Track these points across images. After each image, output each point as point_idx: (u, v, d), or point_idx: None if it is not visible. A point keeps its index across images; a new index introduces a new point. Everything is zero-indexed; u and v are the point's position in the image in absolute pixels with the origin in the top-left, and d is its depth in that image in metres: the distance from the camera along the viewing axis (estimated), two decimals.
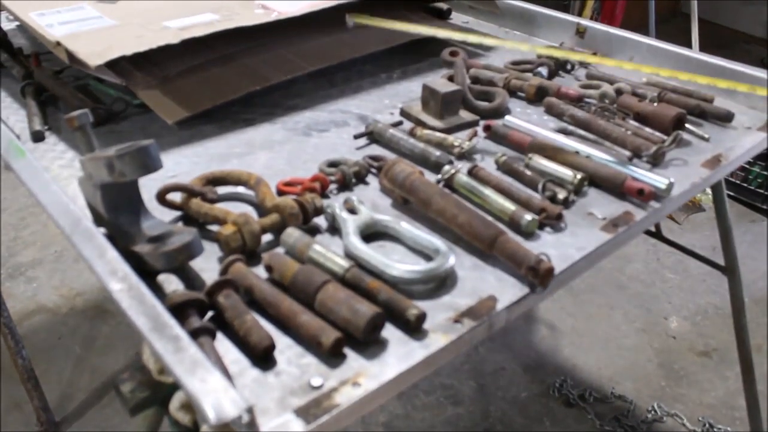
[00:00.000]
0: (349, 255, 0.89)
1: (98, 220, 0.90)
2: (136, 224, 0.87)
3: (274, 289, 0.80)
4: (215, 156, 1.16)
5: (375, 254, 0.86)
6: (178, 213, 0.98)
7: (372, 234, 0.94)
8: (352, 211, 0.96)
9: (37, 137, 1.18)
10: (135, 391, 0.74)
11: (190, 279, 0.86)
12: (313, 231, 0.95)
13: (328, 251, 0.86)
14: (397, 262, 0.85)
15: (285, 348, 0.76)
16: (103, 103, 1.28)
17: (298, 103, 1.35)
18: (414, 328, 0.78)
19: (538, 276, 0.85)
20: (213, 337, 0.75)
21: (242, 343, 0.75)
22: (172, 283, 0.83)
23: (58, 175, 1.08)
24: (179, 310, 0.75)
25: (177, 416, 0.71)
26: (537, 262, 0.85)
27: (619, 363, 2.19)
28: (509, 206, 0.97)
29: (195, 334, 0.72)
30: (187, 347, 0.66)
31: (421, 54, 1.57)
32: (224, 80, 1.32)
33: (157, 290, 0.83)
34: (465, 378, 2.02)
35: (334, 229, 0.95)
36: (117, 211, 0.87)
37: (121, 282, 0.74)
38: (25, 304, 2.35)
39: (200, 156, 1.16)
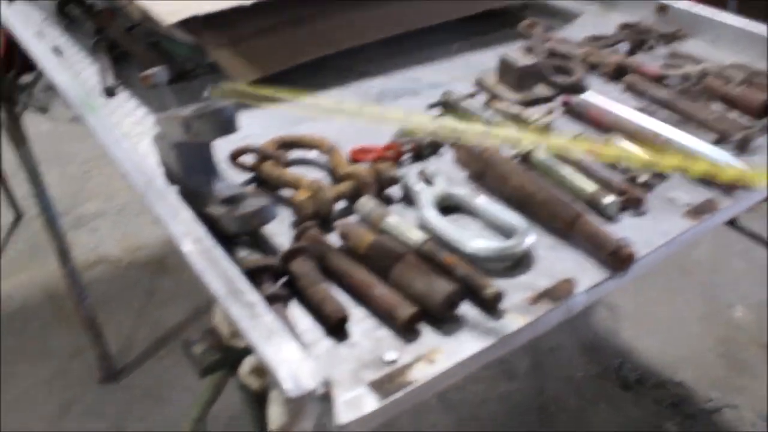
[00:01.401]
0: (424, 227, 0.87)
1: (171, 179, 0.90)
2: (209, 185, 0.86)
3: (348, 257, 0.78)
4: (287, 119, 1.14)
5: (452, 228, 0.84)
6: (249, 175, 0.97)
7: (446, 208, 0.92)
8: (428, 182, 0.93)
9: (110, 92, 1.18)
10: (206, 353, 0.73)
11: (262, 243, 0.85)
12: (387, 201, 0.93)
13: (404, 223, 0.83)
14: (474, 238, 0.82)
15: (358, 320, 0.75)
16: (174, 61, 1.27)
17: (370, 69, 1.33)
18: (490, 307, 0.76)
19: (618, 260, 0.81)
20: (286, 304, 0.74)
21: (316, 312, 0.74)
22: (245, 248, 0.82)
23: (129, 132, 1.08)
24: (253, 275, 0.73)
25: (247, 381, 0.70)
26: (618, 246, 0.81)
27: (680, 349, 2.13)
28: (589, 186, 0.93)
29: (269, 301, 0.71)
30: (263, 314, 0.65)
31: (494, 25, 1.52)
32: (296, 43, 1.29)
33: (231, 253, 0.82)
34: (521, 354, 1.99)
35: (408, 200, 0.93)
36: (190, 171, 0.86)
37: (194, 243, 0.73)
38: (87, 255, 2.40)
39: (272, 119, 1.14)
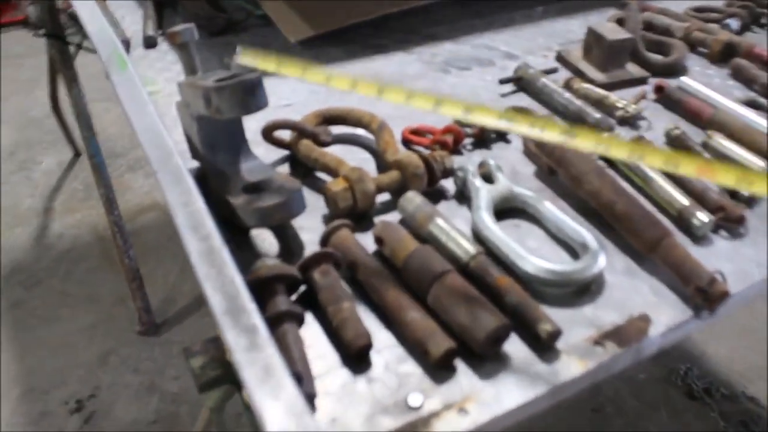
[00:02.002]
0: (476, 234, 0.74)
1: (195, 153, 0.79)
2: (235, 164, 0.75)
3: (381, 269, 0.66)
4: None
5: (508, 240, 0.71)
6: (285, 153, 0.85)
7: (507, 209, 0.78)
8: (488, 178, 0.80)
9: (149, 43, 1.08)
10: (206, 367, 0.64)
11: (288, 238, 0.74)
12: (439, 195, 0.80)
13: (453, 229, 0.71)
14: (533, 255, 0.69)
15: (384, 346, 0.63)
16: (223, 10, 1.16)
17: (438, 32, 1.18)
18: (545, 347, 0.63)
19: (708, 299, 0.67)
20: (300, 323, 0.63)
21: (335, 334, 0.63)
22: (264, 242, 0.71)
23: (162, 89, 0.98)
24: (266, 285, 0.63)
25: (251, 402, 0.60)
26: (709, 281, 0.67)
27: (755, 359, 1.94)
28: (680, 199, 0.78)
29: (278, 319, 0.60)
30: (264, 345, 0.53)
31: None
32: None
33: (248, 250, 0.72)
34: None
35: (463, 195, 0.80)
36: (214, 147, 0.75)
37: (202, 241, 0.62)
38: (141, 198, 2.36)
39: (321, 85, 1.02)
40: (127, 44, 1.06)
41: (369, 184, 0.74)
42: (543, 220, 0.76)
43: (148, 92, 0.95)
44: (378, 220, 0.76)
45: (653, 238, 0.71)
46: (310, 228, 0.75)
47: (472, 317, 0.61)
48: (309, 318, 0.65)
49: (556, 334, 0.62)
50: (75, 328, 1.86)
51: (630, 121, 0.95)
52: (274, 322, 0.60)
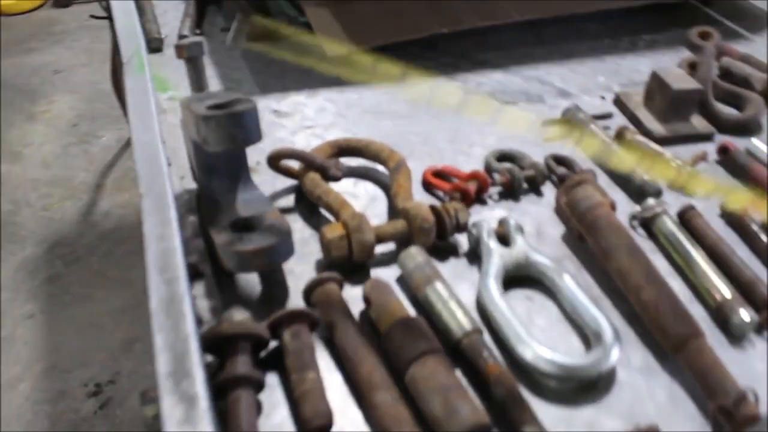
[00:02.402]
0: (479, 305, 0.66)
1: (194, 175, 0.74)
2: (231, 193, 0.70)
3: (358, 338, 0.59)
4: (368, 110, 0.95)
5: (511, 317, 0.63)
6: (293, 182, 0.79)
7: (522, 276, 0.70)
8: (505, 239, 0.72)
9: None
10: (158, 418, 0.58)
11: (272, 283, 0.68)
12: (449, 251, 0.73)
13: (452, 297, 0.63)
14: (537, 339, 0.61)
15: (350, 426, 0.56)
16: (268, 13, 1.10)
17: (491, 58, 1.10)
18: None
19: (733, 420, 0.57)
20: (259, 388, 0.57)
21: (295, 406, 0.56)
22: (247, 285, 0.65)
23: (182, 95, 0.93)
24: (228, 342, 0.57)
25: None
26: (737, 400, 0.57)
27: None
28: (722, 289, 0.68)
29: (233, 383, 0.54)
30: (200, 420, 0.48)
31: (663, 22, 1.23)
32: (407, 14, 1.08)
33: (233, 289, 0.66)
34: None
35: (476, 255, 0.72)
36: (211, 173, 0.70)
37: (166, 285, 0.57)
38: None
39: (351, 106, 0.95)
40: (160, 42, 1.02)
41: (368, 235, 0.67)
42: (559, 296, 0.68)
43: (168, 97, 0.91)
44: (375, 273, 0.70)
45: (679, 337, 0.62)
46: (300, 274, 0.69)
47: (447, 409, 0.53)
48: (274, 380, 0.59)
49: None
50: (105, 310, 1.86)
51: (684, 185, 0.85)
52: (228, 386, 0.55)
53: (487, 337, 0.63)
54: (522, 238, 0.71)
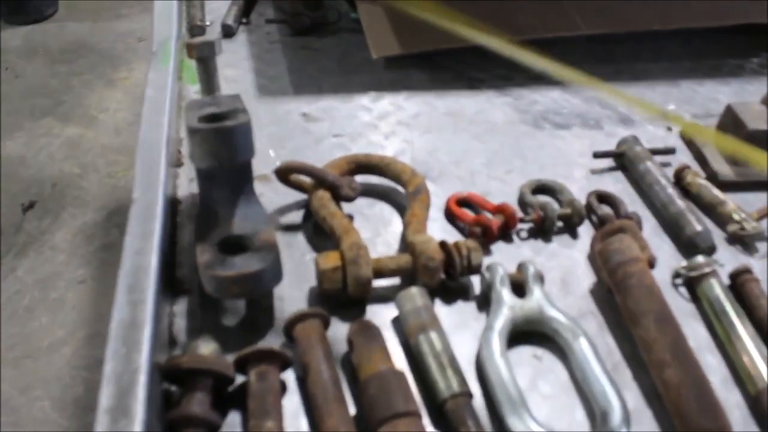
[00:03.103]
0: (478, 360, 0.60)
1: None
2: (230, 206, 0.65)
3: (331, 387, 0.54)
4: (403, 121, 0.89)
5: (509, 382, 0.56)
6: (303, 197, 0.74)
7: (533, 331, 0.63)
8: (520, 288, 0.65)
9: (226, 32, 0.99)
10: None
11: (258, 308, 0.63)
12: (456, 293, 0.66)
13: (445, 351, 0.57)
14: (529, 414, 0.54)
15: None
16: (319, 7, 1.05)
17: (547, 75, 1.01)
18: None
19: None
20: (215, 430, 0.52)
21: None
22: (229, 308, 0.61)
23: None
24: (188, 376, 0.52)
25: None
26: None
27: None
28: (765, 374, 0.59)
29: (185, 423, 0.50)
30: None
31: (755, 46, 1.11)
32: (466, 19, 1.01)
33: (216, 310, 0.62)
34: None
35: (487, 300, 0.65)
36: (211, 181, 0.65)
37: (130, 306, 0.53)
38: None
39: (386, 115, 0.89)
40: (202, 30, 0.99)
41: (364, 270, 0.61)
42: (570, 360, 0.60)
43: (198, 90, 0.87)
44: (372, 309, 0.64)
45: (702, 431, 0.54)
46: (291, 300, 0.64)
47: None
48: (237, 419, 0.55)
49: None
50: None
51: (744, 241, 0.75)
52: (180, 425, 0.50)
53: (480, 400, 0.57)
54: (540, 289, 0.64)
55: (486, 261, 0.67)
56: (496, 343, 0.59)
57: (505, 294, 0.63)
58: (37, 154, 2.29)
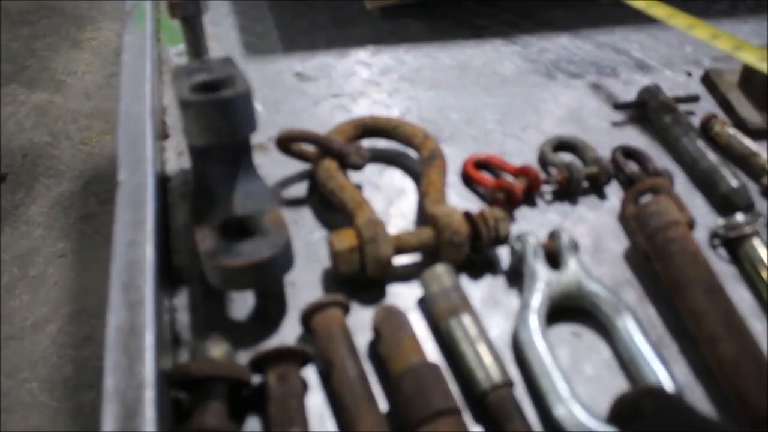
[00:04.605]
0: (515, 343, 0.54)
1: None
2: (228, 182, 0.58)
3: (359, 385, 0.48)
4: (406, 76, 0.81)
5: (551, 367, 0.51)
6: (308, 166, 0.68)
7: (571, 307, 0.57)
8: (555, 258, 0.59)
9: None
10: None
11: (269, 296, 0.57)
12: (483, 267, 0.61)
13: (481, 336, 0.52)
14: (575, 401, 0.49)
15: None
16: None
17: (557, 18, 0.94)
18: None
19: None
20: None
21: None
22: (237, 300, 0.54)
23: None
24: (200, 383, 0.46)
25: None
26: None
27: None
28: None
29: None
30: None
31: None
32: None
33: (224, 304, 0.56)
34: None
35: (517, 273, 0.60)
36: (206, 156, 0.58)
37: (127, 310, 0.47)
38: None
39: (386, 71, 0.82)
40: None
41: (384, 249, 0.55)
42: (614, 338, 0.55)
43: (179, 52, 0.79)
44: (393, 290, 0.58)
45: (761, 411, 0.49)
46: (304, 286, 0.58)
47: None
48: (256, 426, 0.49)
49: None
50: None
51: None
52: None
53: (520, 384, 0.52)
54: (576, 260, 0.58)
55: (512, 229, 0.62)
56: (535, 323, 0.53)
57: (540, 267, 0.57)
58: (3, 123, 2.18)
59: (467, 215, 0.58)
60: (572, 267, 0.58)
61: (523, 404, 0.50)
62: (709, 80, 0.85)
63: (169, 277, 0.57)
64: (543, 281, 0.56)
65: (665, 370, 0.51)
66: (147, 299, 0.47)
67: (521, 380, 0.52)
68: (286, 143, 0.63)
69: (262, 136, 0.70)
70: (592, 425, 0.47)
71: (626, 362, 0.54)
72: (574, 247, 0.59)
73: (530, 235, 0.59)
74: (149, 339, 0.45)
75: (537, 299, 0.55)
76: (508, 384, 0.49)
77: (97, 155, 2.06)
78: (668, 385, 0.50)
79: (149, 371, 0.43)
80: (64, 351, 1.60)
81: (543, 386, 0.50)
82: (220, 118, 0.49)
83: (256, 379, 0.50)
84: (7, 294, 1.70)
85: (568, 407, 0.48)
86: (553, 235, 0.60)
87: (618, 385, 0.53)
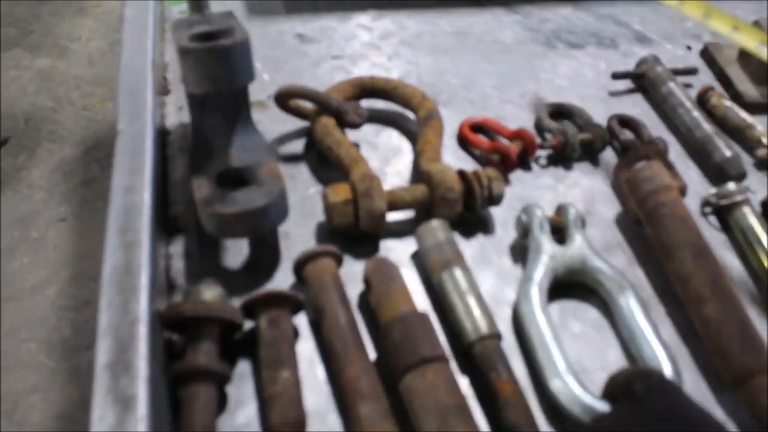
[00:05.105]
0: (515, 314, 0.55)
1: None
2: (226, 135, 0.59)
3: (349, 333, 0.49)
4: (406, 41, 0.82)
5: (550, 340, 0.51)
6: (306, 124, 0.68)
7: (572, 282, 0.58)
8: (560, 232, 0.59)
9: None
10: None
11: (263, 246, 0.58)
12: (475, 226, 0.61)
13: (471, 290, 0.52)
14: (571, 375, 0.49)
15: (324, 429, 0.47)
16: None
17: None
18: None
19: None
20: (224, 381, 0.48)
21: (264, 407, 0.47)
22: (233, 248, 0.55)
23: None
24: (193, 324, 0.48)
25: None
26: None
27: None
28: None
29: (191, 376, 0.45)
30: (134, 426, 0.39)
31: None
32: None
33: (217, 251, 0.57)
34: None
35: (508, 233, 0.61)
36: (203, 109, 0.59)
37: (124, 250, 0.48)
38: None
39: (387, 36, 0.83)
40: None
41: (377, 203, 0.56)
42: (615, 315, 0.55)
43: (182, 11, 0.80)
44: (386, 245, 0.59)
45: (744, 369, 0.50)
46: (297, 238, 0.59)
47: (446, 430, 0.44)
48: (247, 369, 0.50)
49: None
50: None
51: None
52: (186, 378, 0.46)
53: (512, 341, 0.53)
54: (582, 235, 0.58)
55: (507, 192, 0.63)
56: (536, 297, 0.54)
57: (545, 241, 0.57)
58: (6, 87, 2.18)
59: (461, 173, 0.59)
60: (578, 242, 0.58)
61: (512, 359, 0.51)
62: (708, 54, 0.85)
63: (165, 225, 0.58)
64: (547, 254, 0.56)
65: (664, 352, 0.51)
66: (143, 241, 0.48)
67: (514, 341, 0.53)
68: (285, 99, 0.64)
69: (262, 94, 0.71)
70: (587, 399, 0.48)
71: (626, 340, 0.54)
72: (581, 221, 0.59)
73: (537, 208, 0.59)
74: (144, 279, 0.46)
75: (540, 273, 0.55)
76: (495, 336, 0.50)
77: (99, 121, 2.06)
78: (666, 367, 0.50)
79: (143, 308, 0.44)
80: (63, 313, 1.61)
81: (540, 359, 0.51)
82: (218, 65, 0.50)
83: (248, 324, 0.51)
84: (7, 256, 1.71)
85: (564, 380, 0.49)
86: (561, 209, 0.60)
87: (617, 358, 0.53)
